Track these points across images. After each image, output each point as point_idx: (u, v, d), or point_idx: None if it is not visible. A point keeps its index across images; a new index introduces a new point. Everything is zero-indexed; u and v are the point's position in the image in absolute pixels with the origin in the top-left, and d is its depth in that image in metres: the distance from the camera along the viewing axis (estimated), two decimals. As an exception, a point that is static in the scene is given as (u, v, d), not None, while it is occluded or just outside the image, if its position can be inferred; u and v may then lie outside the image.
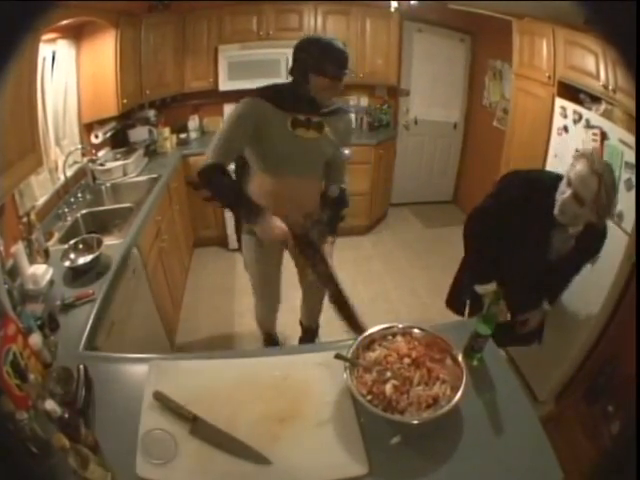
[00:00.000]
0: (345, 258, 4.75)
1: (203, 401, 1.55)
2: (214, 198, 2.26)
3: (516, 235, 2.16)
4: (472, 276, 2.36)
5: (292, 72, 2.19)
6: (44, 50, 2.88)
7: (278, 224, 2.18)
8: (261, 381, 1.64)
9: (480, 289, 2.27)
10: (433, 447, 1.41)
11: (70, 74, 3.44)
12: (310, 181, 2.39)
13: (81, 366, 1.62)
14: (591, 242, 2.15)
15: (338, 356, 1.56)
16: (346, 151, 2.50)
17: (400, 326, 1.70)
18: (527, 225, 2.11)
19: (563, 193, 1.94)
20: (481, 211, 2.27)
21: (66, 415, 1.26)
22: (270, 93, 2.20)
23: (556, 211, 1.99)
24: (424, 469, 1.35)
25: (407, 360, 1.57)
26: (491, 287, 2.22)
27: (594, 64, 2.61)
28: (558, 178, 2.03)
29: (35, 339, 1.66)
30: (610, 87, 2.48)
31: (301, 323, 3.29)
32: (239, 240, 2.68)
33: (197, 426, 1.45)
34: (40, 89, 2.75)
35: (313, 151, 2.27)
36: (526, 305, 2.36)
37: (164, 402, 1.52)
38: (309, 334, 3.25)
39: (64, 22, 2.74)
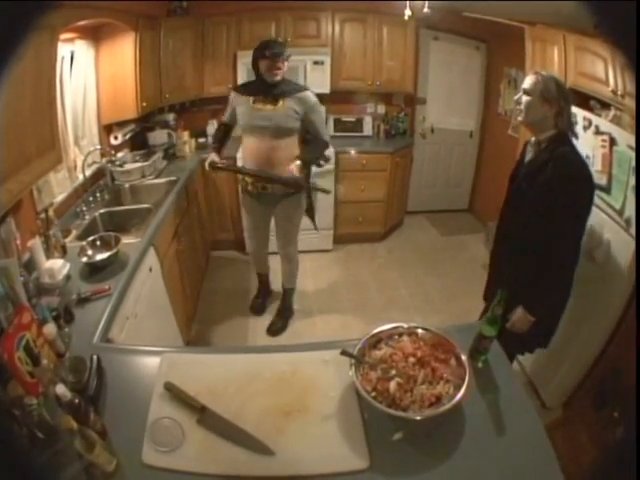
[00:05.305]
0: (360, 264, 4.83)
1: (213, 393, 1.58)
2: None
3: None
4: None
5: (252, 68, 3.14)
6: (62, 49, 2.90)
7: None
8: (270, 375, 1.67)
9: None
10: (434, 445, 1.42)
11: (89, 75, 3.49)
12: (275, 142, 3.17)
13: (94, 356, 1.66)
14: (559, 163, 2.06)
15: (344, 353, 1.58)
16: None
17: (406, 326, 1.74)
18: None
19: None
20: None
21: (76, 400, 1.29)
22: (238, 86, 3.49)
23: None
24: (424, 466, 1.36)
25: (412, 359, 1.58)
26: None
27: (603, 69, 2.64)
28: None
29: (49, 329, 1.70)
30: (619, 92, 2.50)
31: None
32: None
33: (205, 416, 1.49)
34: (59, 88, 2.80)
35: (271, 119, 3.10)
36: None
37: (174, 392, 1.56)
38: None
39: (81, 23, 2.77)
